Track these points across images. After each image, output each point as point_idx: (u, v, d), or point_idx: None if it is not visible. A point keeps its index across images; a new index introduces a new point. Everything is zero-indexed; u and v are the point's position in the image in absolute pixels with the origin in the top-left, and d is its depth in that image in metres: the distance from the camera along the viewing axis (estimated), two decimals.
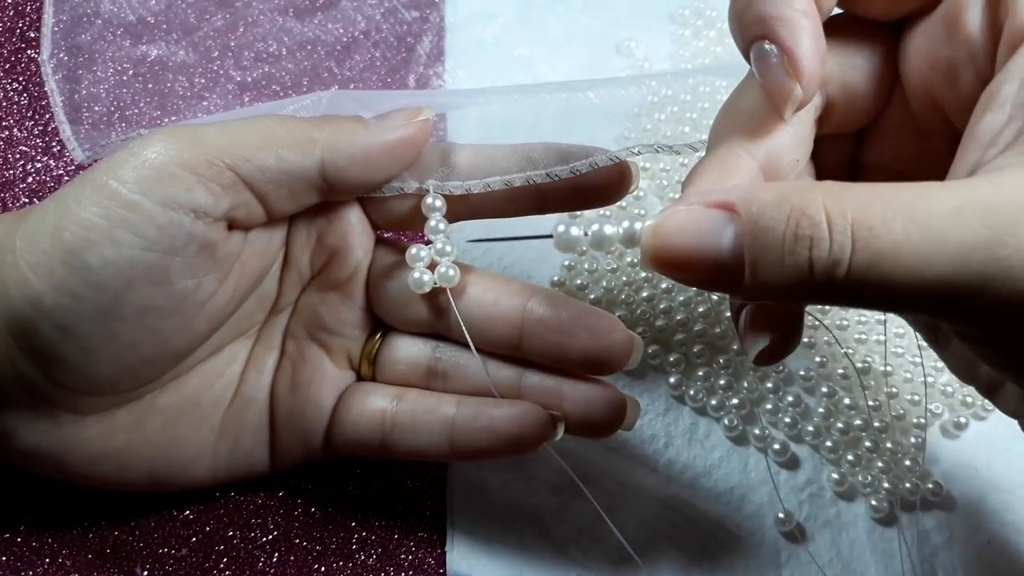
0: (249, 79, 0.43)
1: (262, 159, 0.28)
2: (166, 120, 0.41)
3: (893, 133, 0.27)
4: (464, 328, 0.30)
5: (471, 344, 0.30)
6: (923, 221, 0.19)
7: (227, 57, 0.43)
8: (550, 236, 0.26)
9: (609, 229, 0.25)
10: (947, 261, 0.19)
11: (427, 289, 0.30)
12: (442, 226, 0.30)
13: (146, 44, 0.43)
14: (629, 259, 0.38)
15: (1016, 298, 0.19)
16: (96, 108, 0.41)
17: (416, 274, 0.30)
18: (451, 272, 0.30)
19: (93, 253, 0.26)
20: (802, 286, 0.20)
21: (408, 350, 0.32)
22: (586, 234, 0.25)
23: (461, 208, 0.31)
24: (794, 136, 0.25)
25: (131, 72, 0.42)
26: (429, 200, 0.30)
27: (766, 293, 0.21)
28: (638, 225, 0.24)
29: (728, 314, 0.37)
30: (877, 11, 0.26)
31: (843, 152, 0.28)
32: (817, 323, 0.37)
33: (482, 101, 0.40)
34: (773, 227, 0.20)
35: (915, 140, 0.26)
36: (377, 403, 0.31)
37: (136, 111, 0.41)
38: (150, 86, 0.42)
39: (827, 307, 0.37)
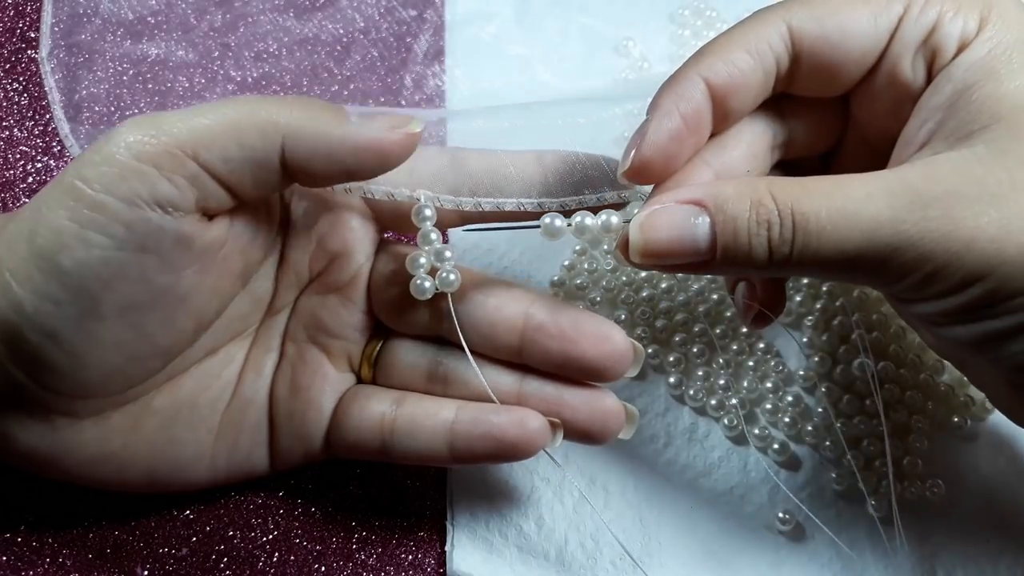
0: (249, 79, 0.43)
1: (222, 147, 0.27)
2: (152, 92, 0.41)
3: (853, 153, 0.31)
4: (462, 337, 0.30)
5: (468, 353, 0.30)
6: (841, 206, 0.24)
7: (227, 57, 0.43)
8: (538, 226, 0.29)
9: (589, 220, 0.28)
10: (860, 236, 0.24)
11: (429, 295, 0.30)
12: (433, 235, 0.30)
13: (145, 43, 0.43)
14: None
15: (918, 262, 0.24)
16: (95, 107, 0.41)
17: (418, 280, 0.30)
18: (452, 277, 0.30)
19: (65, 256, 0.26)
20: (762, 262, 0.25)
21: (409, 354, 0.32)
22: (569, 224, 0.29)
23: (455, 215, 0.31)
24: (747, 153, 0.29)
25: (131, 71, 0.42)
26: (417, 208, 0.30)
27: (731, 271, 0.27)
28: (614, 219, 0.28)
29: (728, 314, 0.37)
30: (825, 94, 0.29)
31: (815, 170, 0.32)
32: (816, 324, 0.37)
33: (480, 123, 0.41)
34: (739, 216, 0.25)
35: (871, 159, 0.30)
36: (377, 407, 0.31)
37: (136, 111, 0.41)
38: (150, 86, 0.42)
39: (831, 310, 0.37)
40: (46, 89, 0.41)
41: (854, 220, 0.24)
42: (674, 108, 0.27)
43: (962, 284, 0.24)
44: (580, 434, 0.30)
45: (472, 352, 0.30)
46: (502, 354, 0.30)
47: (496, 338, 0.30)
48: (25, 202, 0.39)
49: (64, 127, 0.40)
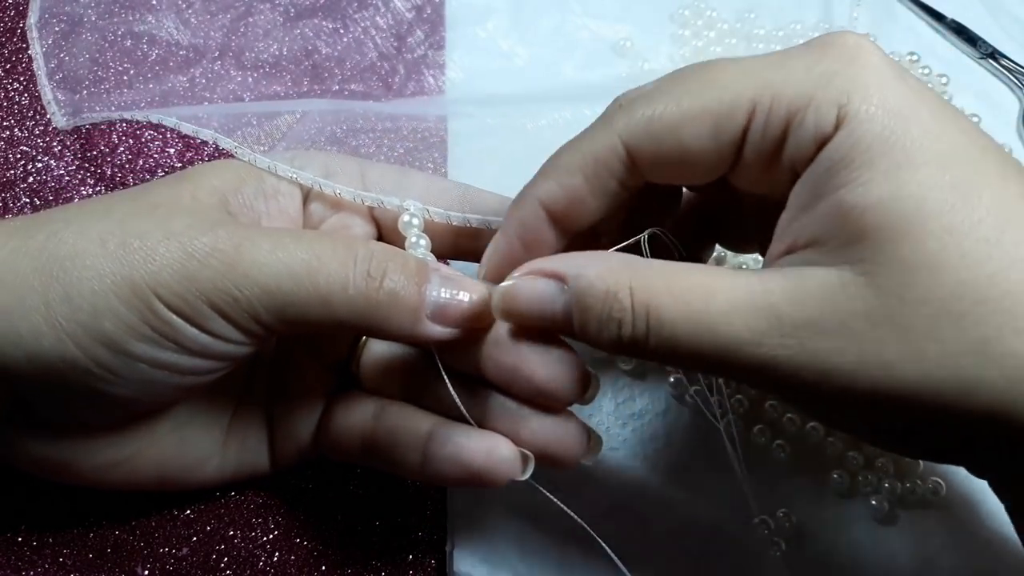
0: (250, 79, 0.43)
1: (293, 320, 0.26)
2: (152, 91, 0.42)
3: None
4: (441, 367, 0.29)
5: (449, 384, 0.28)
6: (699, 319, 0.24)
7: (227, 57, 0.43)
8: None
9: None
10: (718, 351, 0.24)
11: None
12: (423, 242, 0.30)
13: (137, 17, 0.43)
14: None
15: (784, 379, 0.23)
16: (80, 76, 0.41)
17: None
18: (422, 251, 0.30)
19: (135, 347, 0.25)
20: (619, 348, 0.25)
21: (391, 354, 0.31)
22: None
23: (449, 247, 0.31)
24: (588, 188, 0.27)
25: (119, 46, 0.43)
26: (406, 218, 0.30)
27: (596, 348, 0.26)
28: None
29: None
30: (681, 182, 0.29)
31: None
32: None
33: (480, 121, 0.41)
34: (593, 304, 0.25)
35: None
36: (359, 415, 0.30)
37: (126, 88, 0.42)
38: (142, 66, 0.42)
39: None
40: (31, 55, 0.41)
41: (711, 335, 0.24)
42: (513, 234, 0.28)
43: (827, 408, 0.25)
44: (539, 457, 0.29)
45: (441, 362, 0.29)
46: (465, 367, 0.29)
47: (459, 349, 0.29)
48: (26, 202, 0.39)
49: (47, 92, 0.40)
